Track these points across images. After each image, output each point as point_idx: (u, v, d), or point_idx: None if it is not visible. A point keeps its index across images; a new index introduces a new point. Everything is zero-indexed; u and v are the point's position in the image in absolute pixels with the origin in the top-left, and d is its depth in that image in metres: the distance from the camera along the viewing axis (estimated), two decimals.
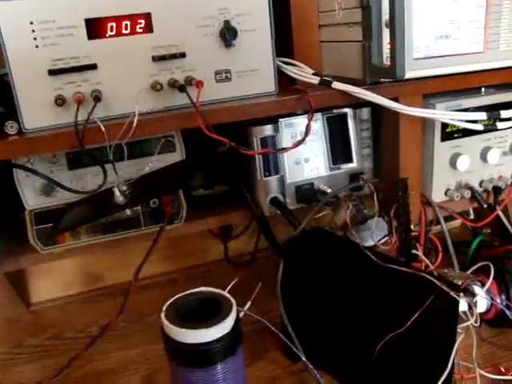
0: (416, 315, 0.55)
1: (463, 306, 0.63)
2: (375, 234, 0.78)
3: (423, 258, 0.74)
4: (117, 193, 0.67)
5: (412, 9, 0.64)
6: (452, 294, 0.54)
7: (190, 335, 0.54)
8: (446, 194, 0.82)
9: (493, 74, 0.75)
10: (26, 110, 0.62)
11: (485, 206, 0.82)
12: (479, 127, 0.74)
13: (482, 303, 0.73)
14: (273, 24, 0.70)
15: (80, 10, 0.62)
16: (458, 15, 0.70)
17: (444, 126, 0.77)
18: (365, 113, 0.83)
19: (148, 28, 0.65)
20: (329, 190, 0.81)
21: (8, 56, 0.60)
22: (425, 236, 0.78)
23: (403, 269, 0.59)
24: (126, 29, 0.64)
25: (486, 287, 0.71)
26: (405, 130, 0.75)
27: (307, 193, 0.82)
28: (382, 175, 0.84)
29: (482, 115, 0.74)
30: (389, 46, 0.65)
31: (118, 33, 0.64)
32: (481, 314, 0.73)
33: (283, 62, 0.76)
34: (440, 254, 0.77)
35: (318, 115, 0.81)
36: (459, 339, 0.58)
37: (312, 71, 0.74)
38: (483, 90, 0.80)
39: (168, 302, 0.59)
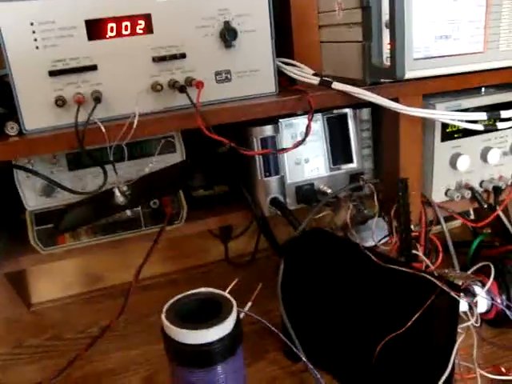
0: (416, 315, 0.55)
1: (464, 306, 0.63)
2: (375, 235, 0.78)
3: (423, 258, 0.74)
4: (117, 193, 0.67)
5: (412, 9, 0.64)
6: (452, 294, 0.54)
7: (191, 336, 0.54)
8: (446, 194, 0.81)
9: (493, 74, 0.75)
10: (27, 110, 0.63)
11: (485, 206, 0.82)
12: (479, 127, 0.74)
13: (483, 303, 0.73)
14: (273, 24, 0.70)
15: (80, 10, 0.62)
16: (458, 15, 0.70)
17: (444, 126, 0.77)
18: (365, 113, 0.83)
19: (148, 29, 0.65)
20: (329, 191, 0.81)
21: (8, 57, 0.60)
22: (425, 236, 0.78)
23: (403, 269, 0.59)
24: (126, 30, 0.64)
25: (487, 287, 0.70)
26: (405, 131, 0.75)
27: (307, 193, 0.82)
28: (382, 175, 0.84)
29: (482, 115, 0.74)
30: (389, 47, 0.65)
31: (118, 34, 0.64)
32: (481, 314, 0.73)
33: (283, 63, 0.76)
34: (440, 255, 0.77)
35: (318, 115, 0.81)
36: (460, 339, 0.58)
37: (312, 71, 0.74)
38: (483, 90, 0.80)
39: (168, 303, 0.59)
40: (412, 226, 0.76)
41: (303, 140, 0.69)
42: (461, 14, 0.70)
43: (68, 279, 0.98)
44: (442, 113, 0.74)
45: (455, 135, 0.79)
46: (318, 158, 0.82)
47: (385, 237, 0.79)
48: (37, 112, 0.63)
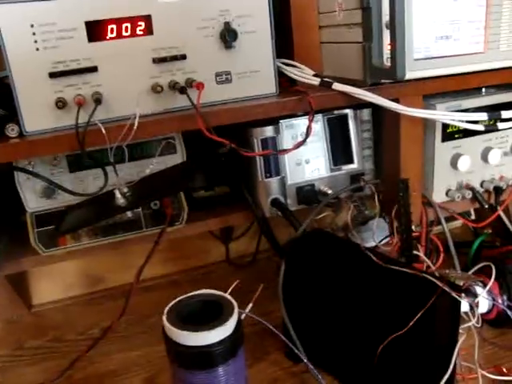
0: (418, 316, 0.55)
1: (465, 306, 0.63)
2: (376, 235, 0.78)
3: (424, 258, 0.74)
4: (118, 195, 0.67)
5: (412, 10, 0.64)
6: (453, 294, 0.54)
7: (192, 337, 0.54)
8: (446, 194, 0.81)
9: (493, 74, 0.74)
10: (27, 112, 0.63)
11: (486, 206, 0.82)
12: (480, 128, 0.74)
13: (484, 304, 0.72)
14: (273, 25, 0.70)
15: (80, 12, 0.62)
16: (458, 16, 0.70)
17: (445, 126, 0.77)
18: (365, 114, 0.83)
19: (148, 30, 0.65)
20: (330, 191, 0.81)
21: (9, 59, 0.60)
22: (426, 237, 0.78)
23: (404, 270, 0.58)
24: (126, 31, 0.64)
25: (488, 288, 0.71)
26: (405, 131, 0.75)
27: (308, 194, 0.82)
28: (382, 176, 0.84)
29: (483, 116, 0.74)
30: (389, 47, 0.65)
31: (118, 35, 0.64)
32: (482, 315, 0.73)
33: (283, 63, 0.76)
34: (441, 255, 0.77)
35: (319, 116, 0.81)
36: (461, 340, 0.58)
37: (312, 72, 0.74)
38: (484, 90, 0.80)
39: (169, 305, 0.59)
40: (413, 227, 0.76)
41: (304, 141, 0.69)
42: (461, 14, 0.70)
43: (69, 280, 0.98)
44: (443, 113, 0.74)
45: (456, 135, 0.79)
46: (319, 159, 0.82)
47: (386, 237, 0.79)
48: (37, 113, 0.63)
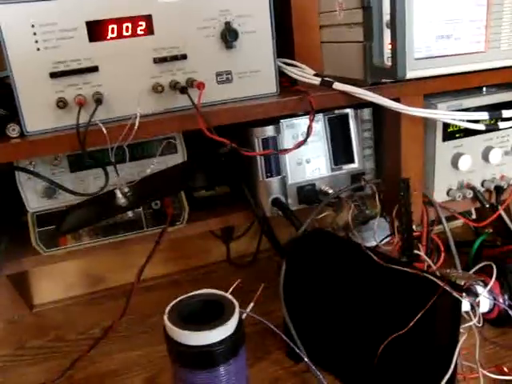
0: (419, 316, 0.55)
1: (466, 306, 0.63)
2: (377, 235, 0.78)
3: (425, 258, 0.73)
4: (119, 195, 0.67)
5: (413, 9, 0.64)
6: (455, 294, 0.54)
7: (193, 337, 0.54)
8: (447, 193, 0.81)
9: (494, 73, 0.74)
10: (28, 112, 0.63)
11: (487, 205, 0.82)
12: (481, 127, 0.74)
13: (485, 303, 0.72)
14: (273, 25, 0.70)
15: (81, 12, 0.62)
16: (459, 15, 0.70)
17: (445, 125, 0.77)
18: (366, 113, 0.83)
19: (149, 30, 0.65)
20: (330, 191, 0.81)
21: (9, 58, 0.60)
22: (427, 236, 0.78)
23: (405, 269, 0.58)
24: (127, 31, 0.64)
25: (489, 287, 0.71)
26: (406, 130, 0.75)
27: (309, 193, 0.82)
28: (383, 175, 0.84)
29: (484, 115, 0.74)
30: (390, 47, 0.65)
31: (119, 35, 0.64)
32: (483, 314, 0.73)
33: (284, 63, 0.76)
34: (442, 254, 0.77)
35: (320, 116, 0.81)
36: (462, 339, 0.58)
37: (313, 72, 0.74)
38: (485, 89, 0.80)
39: (171, 304, 0.59)
40: (414, 226, 0.75)
41: (305, 140, 0.69)
42: (462, 13, 0.70)
43: (70, 280, 0.98)
44: (444, 112, 0.74)
45: (457, 135, 0.79)
46: (320, 159, 0.82)
47: (386, 237, 0.79)
48: (38, 113, 0.63)
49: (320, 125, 0.81)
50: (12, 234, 0.79)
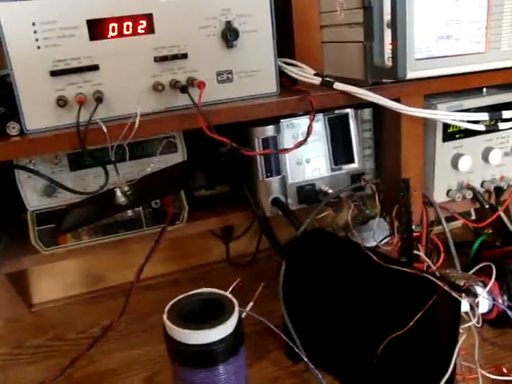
0: (418, 316, 0.55)
1: (465, 306, 0.63)
2: (377, 235, 0.78)
3: (425, 258, 0.73)
4: (118, 193, 0.67)
5: (413, 9, 0.64)
6: (454, 294, 0.54)
7: (193, 336, 0.54)
8: (447, 194, 0.81)
9: (494, 74, 0.74)
10: (28, 110, 0.63)
11: (486, 206, 0.82)
12: (481, 128, 0.74)
13: (484, 304, 0.72)
14: (274, 25, 0.70)
15: (82, 10, 0.62)
16: (460, 15, 0.70)
17: (446, 126, 0.77)
18: (366, 113, 0.83)
19: (150, 29, 0.65)
20: (330, 191, 0.81)
21: (10, 57, 0.60)
22: (426, 236, 0.78)
23: (405, 269, 0.58)
24: (127, 30, 0.64)
25: (488, 288, 0.71)
26: (406, 131, 0.75)
27: (309, 193, 0.82)
28: (383, 176, 0.84)
29: (484, 116, 0.74)
30: (390, 47, 0.65)
31: (119, 34, 0.64)
32: (483, 315, 0.73)
33: (285, 63, 0.76)
34: (442, 255, 0.77)
35: (320, 116, 0.81)
36: (461, 340, 0.58)
37: (313, 72, 0.74)
38: (485, 90, 0.80)
39: (170, 303, 0.59)
40: (413, 227, 0.76)
41: (305, 140, 0.69)
42: (462, 14, 0.70)
43: (69, 279, 0.98)
44: (444, 113, 0.74)
45: (457, 135, 0.79)
46: (320, 159, 0.82)
47: (386, 237, 0.79)
48: (38, 112, 0.63)
49: (320, 125, 0.81)
50: (11, 232, 0.79)
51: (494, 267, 0.71)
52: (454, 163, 0.79)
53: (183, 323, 0.55)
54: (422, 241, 0.77)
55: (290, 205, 0.81)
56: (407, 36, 0.63)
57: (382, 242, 0.78)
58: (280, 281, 0.70)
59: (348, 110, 0.82)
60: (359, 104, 0.78)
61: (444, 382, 0.56)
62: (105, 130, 0.61)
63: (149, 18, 0.65)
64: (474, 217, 0.97)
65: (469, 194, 0.81)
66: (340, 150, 0.83)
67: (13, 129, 0.63)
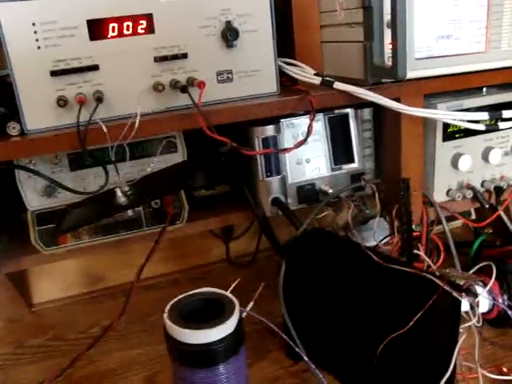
0: (418, 315, 0.55)
1: (465, 306, 0.63)
2: (377, 235, 0.78)
3: (425, 258, 0.74)
4: (119, 193, 0.67)
5: (413, 9, 0.64)
6: (454, 294, 0.54)
7: (193, 336, 0.54)
8: (447, 194, 0.82)
9: (494, 73, 0.74)
10: (28, 110, 0.63)
11: (486, 206, 0.82)
12: (481, 127, 0.74)
13: (484, 303, 0.73)
14: (274, 24, 0.70)
15: (82, 10, 0.62)
16: (460, 15, 0.70)
17: (446, 126, 0.77)
18: (366, 113, 0.83)
19: (150, 29, 0.65)
20: (330, 191, 0.81)
21: (10, 57, 0.60)
22: (426, 236, 0.78)
23: (405, 269, 0.58)
24: (127, 29, 0.64)
25: (488, 287, 0.71)
26: (406, 130, 0.75)
27: (309, 193, 0.82)
28: (383, 175, 0.84)
29: (484, 115, 0.74)
30: (390, 47, 0.65)
31: (119, 34, 0.64)
32: (483, 314, 0.73)
33: (285, 63, 0.76)
34: (442, 254, 0.77)
35: (320, 115, 0.81)
36: (461, 339, 0.58)
37: (313, 71, 0.74)
38: (485, 89, 0.80)
39: (171, 303, 0.59)
40: (413, 226, 0.76)
41: (305, 140, 0.69)
42: (462, 13, 0.70)
43: (69, 279, 0.98)
44: (444, 113, 0.74)
45: (457, 135, 0.79)
46: (320, 158, 0.82)
47: (386, 237, 0.79)
48: (38, 112, 0.63)
49: (320, 124, 0.81)
50: (12, 232, 0.79)
51: (494, 267, 0.71)
52: (454, 163, 0.79)
53: (184, 323, 0.55)
54: (422, 240, 0.77)
55: (289, 205, 0.81)
56: (407, 36, 0.63)
57: (382, 242, 0.78)
58: (280, 280, 0.70)
59: (348, 110, 0.82)
60: (359, 104, 0.78)
61: (444, 382, 0.56)
62: (105, 130, 0.61)
63: (149, 17, 0.65)
64: (474, 216, 0.97)
65: (469, 194, 0.81)
66: (340, 150, 0.83)
67: (13, 129, 0.63)
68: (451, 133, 0.78)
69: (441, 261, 0.77)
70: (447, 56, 0.70)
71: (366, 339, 0.62)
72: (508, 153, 0.83)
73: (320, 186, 0.82)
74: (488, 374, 0.65)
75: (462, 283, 0.59)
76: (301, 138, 0.78)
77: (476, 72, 0.73)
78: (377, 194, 0.80)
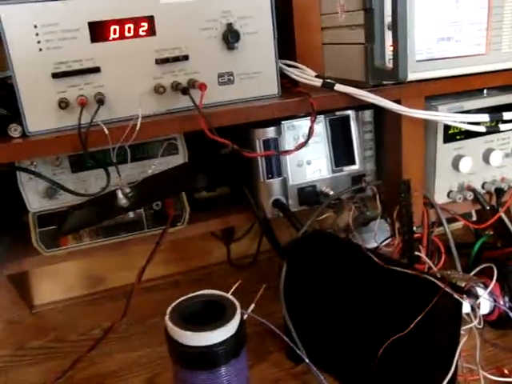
0: (419, 317, 0.55)
1: (466, 307, 0.63)
2: (378, 236, 0.78)
3: (426, 259, 0.74)
4: (120, 195, 0.67)
5: (414, 11, 0.64)
6: (455, 295, 0.54)
7: (195, 338, 0.54)
8: (448, 195, 0.82)
9: (495, 75, 0.75)
10: (30, 112, 0.63)
11: (487, 207, 0.82)
12: (482, 129, 0.74)
13: (485, 305, 0.73)
14: (275, 26, 0.70)
15: (83, 13, 0.62)
16: (460, 17, 0.70)
17: (446, 127, 0.77)
18: (367, 115, 0.83)
19: (151, 31, 0.65)
20: (331, 192, 0.81)
21: (12, 59, 0.60)
22: (427, 238, 0.78)
23: (406, 271, 0.58)
24: (129, 32, 0.64)
25: (489, 289, 0.70)
26: (407, 132, 0.75)
27: (309, 195, 0.82)
28: (384, 177, 0.84)
29: (485, 117, 0.74)
30: (391, 49, 0.65)
31: (121, 36, 0.64)
32: (484, 316, 0.73)
33: (285, 65, 0.76)
34: (443, 256, 0.77)
35: (321, 117, 0.81)
36: (462, 341, 0.58)
37: (314, 73, 0.74)
38: (485, 91, 0.80)
39: (172, 305, 0.59)
40: (414, 228, 0.76)
41: (306, 142, 0.69)
42: (463, 16, 0.70)
43: (70, 281, 0.98)
44: (445, 114, 0.74)
45: (457, 137, 0.79)
46: (321, 160, 0.82)
47: (387, 238, 0.79)
48: (40, 114, 0.63)
49: (321, 126, 0.81)
50: (13, 234, 0.80)
51: (495, 268, 0.71)
52: (455, 164, 0.79)
53: (185, 325, 0.55)
54: (423, 242, 0.77)
55: (290, 206, 0.81)
56: (408, 38, 0.63)
57: (383, 244, 0.78)
58: (281, 282, 0.70)
59: (349, 112, 0.82)
60: (360, 106, 0.78)
61: None
62: (106, 132, 0.61)
63: (150, 20, 0.65)
64: (474, 218, 0.97)
65: (470, 196, 0.81)
66: (341, 152, 0.83)
67: (15, 131, 0.63)
68: (452, 134, 0.78)
69: (442, 262, 0.77)
70: (448, 58, 0.70)
71: (366, 341, 0.62)
72: (509, 154, 0.83)
73: (321, 188, 0.82)
74: (489, 376, 0.65)
75: (463, 285, 0.59)
76: (302, 139, 0.78)
77: (477, 74, 0.73)
78: (378, 196, 0.79)
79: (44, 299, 0.97)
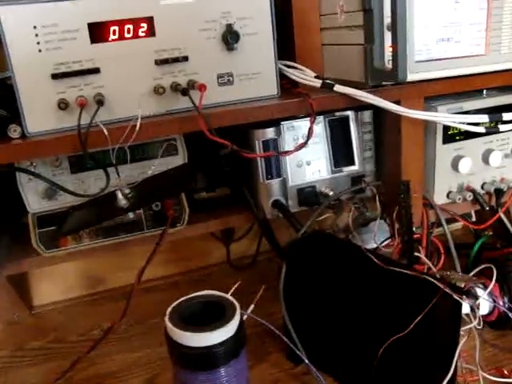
0: (419, 318, 0.55)
1: (466, 308, 0.63)
2: (377, 237, 0.78)
3: (425, 260, 0.74)
4: (119, 196, 0.67)
5: (414, 12, 0.64)
6: (455, 296, 0.54)
7: (194, 338, 0.54)
8: (447, 196, 0.82)
9: (494, 76, 0.75)
10: (29, 113, 0.63)
11: (487, 208, 0.82)
12: (481, 130, 0.74)
13: (485, 305, 0.73)
14: (275, 27, 0.70)
15: (83, 14, 0.62)
16: (460, 18, 0.70)
17: (446, 128, 0.77)
18: (366, 115, 0.83)
19: (150, 32, 0.65)
20: (331, 193, 0.81)
21: (11, 60, 0.60)
22: (427, 238, 0.78)
23: (405, 271, 0.58)
24: (128, 33, 0.64)
25: (489, 289, 0.70)
26: (407, 133, 0.75)
27: (309, 196, 0.82)
28: (383, 178, 0.84)
29: (484, 118, 0.74)
30: (390, 49, 0.65)
31: (120, 37, 0.64)
32: (483, 317, 0.73)
33: (285, 65, 0.76)
34: (442, 257, 0.77)
35: (320, 118, 0.81)
36: (462, 342, 0.58)
37: (314, 74, 0.74)
38: (485, 92, 0.80)
39: (172, 306, 0.59)
40: (414, 228, 0.76)
41: (306, 142, 0.69)
42: (462, 16, 0.70)
43: (70, 282, 0.98)
44: (444, 115, 0.74)
45: (457, 137, 0.79)
46: (320, 161, 0.82)
47: (387, 239, 0.79)
48: (39, 115, 0.63)
49: (320, 127, 0.81)
50: (13, 234, 0.80)
51: (494, 269, 0.71)
52: (455, 165, 0.79)
53: (185, 326, 0.55)
54: (422, 243, 0.77)
55: (290, 207, 0.81)
56: (407, 38, 0.63)
57: (383, 244, 0.78)
58: (280, 283, 0.70)
59: (348, 113, 0.82)
60: (359, 106, 0.78)
61: None
62: (106, 133, 0.61)
63: (149, 20, 0.65)
64: (474, 219, 0.97)
65: (469, 196, 0.81)
66: (340, 152, 0.83)
67: (14, 132, 0.63)
68: (451, 135, 0.78)
69: (441, 263, 0.77)
70: (447, 59, 0.70)
71: (366, 341, 0.62)
72: (508, 155, 0.83)
73: (320, 189, 0.82)
74: (489, 377, 0.65)
75: (462, 285, 0.59)
76: (301, 140, 0.78)
77: (476, 74, 0.73)
78: (377, 197, 0.79)
79: (44, 300, 0.97)
